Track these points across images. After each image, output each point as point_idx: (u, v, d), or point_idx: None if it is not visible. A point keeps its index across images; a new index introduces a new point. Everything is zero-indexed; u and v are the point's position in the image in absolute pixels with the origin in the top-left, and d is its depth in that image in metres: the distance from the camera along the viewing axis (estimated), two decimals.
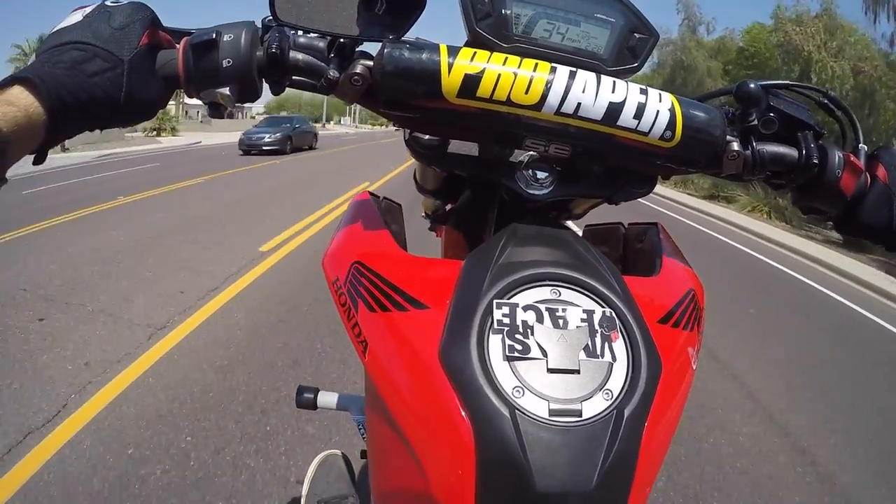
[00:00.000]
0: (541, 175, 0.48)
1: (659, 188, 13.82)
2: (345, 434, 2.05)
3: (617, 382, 0.35)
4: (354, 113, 75.71)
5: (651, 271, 0.50)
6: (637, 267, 0.56)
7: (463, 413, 0.33)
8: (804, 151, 0.48)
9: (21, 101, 0.35)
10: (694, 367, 0.42)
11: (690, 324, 0.44)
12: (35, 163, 0.40)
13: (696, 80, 15.75)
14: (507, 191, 0.50)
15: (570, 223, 0.65)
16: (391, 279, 0.41)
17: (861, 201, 0.48)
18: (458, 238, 0.68)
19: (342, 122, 75.47)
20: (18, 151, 0.36)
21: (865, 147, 0.50)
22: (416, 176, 0.72)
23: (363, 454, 0.88)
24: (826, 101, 0.52)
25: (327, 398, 0.82)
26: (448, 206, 0.77)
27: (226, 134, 24.99)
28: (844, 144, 0.51)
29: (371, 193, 0.59)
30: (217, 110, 0.45)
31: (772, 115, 0.48)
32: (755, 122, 0.48)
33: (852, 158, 0.48)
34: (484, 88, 0.40)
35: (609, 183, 0.50)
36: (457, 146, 0.51)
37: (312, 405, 0.83)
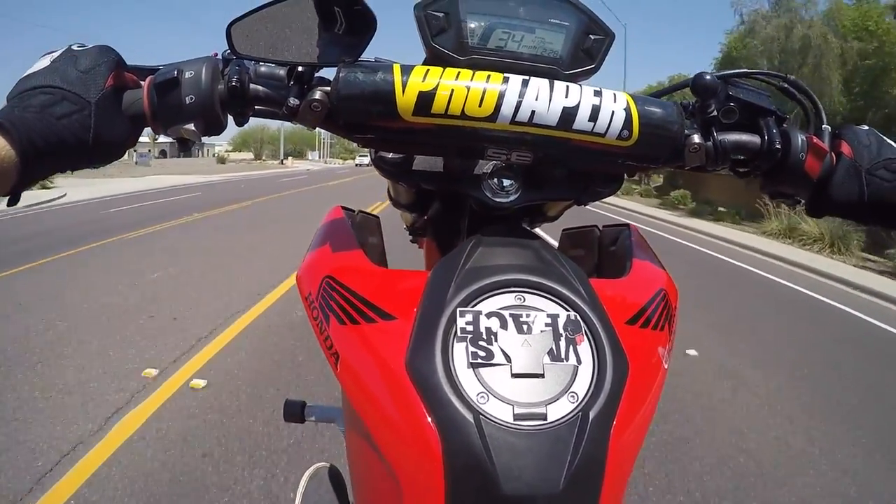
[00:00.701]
0: (506, 183, 0.49)
1: (786, 250, 8.28)
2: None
3: (582, 385, 0.36)
4: (324, 146, 68.05)
5: (623, 273, 0.51)
6: (611, 269, 0.57)
7: (429, 420, 0.34)
8: (766, 137, 0.49)
9: None
10: (666, 367, 0.43)
11: (661, 323, 0.44)
12: (9, 204, 0.41)
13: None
14: (474, 201, 0.50)
15: (541, 228, 0.66)
16: (360, 292, 0.42)
17: (829, 181, 0.49)
18: (435, 248, 0.69)
19: (310, 156, 67.55)
20: None
21: (829, 128, 0.50)
22: (389, 192, 0.73)
23: None
24: (786, 86, 0.53)
25: (314, 411, 0.84)
26: (426, 218, 0.78)
27: (125, 181, 18.19)
28: (809, 127, 0.52)
29: (344, 208, 0.60)
30: (185, 145, 0.46)
31: (731, 104, 0.49)
32: (715, 112, 0.49)
33: (815, 140, 0.48)
34: (438, 105, 0.41)
35: (574, 185, 0.51)
36: (422, 162, 0.51)
37: (300, 418, 0.84)
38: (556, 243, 0.62)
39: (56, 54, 0.43)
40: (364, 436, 0.40)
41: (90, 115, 0.41)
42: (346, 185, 18.65)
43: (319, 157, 66.00)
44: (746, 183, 0.56)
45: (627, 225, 0.59)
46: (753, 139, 0.49)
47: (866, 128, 0.51)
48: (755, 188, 0.55)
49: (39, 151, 0.38)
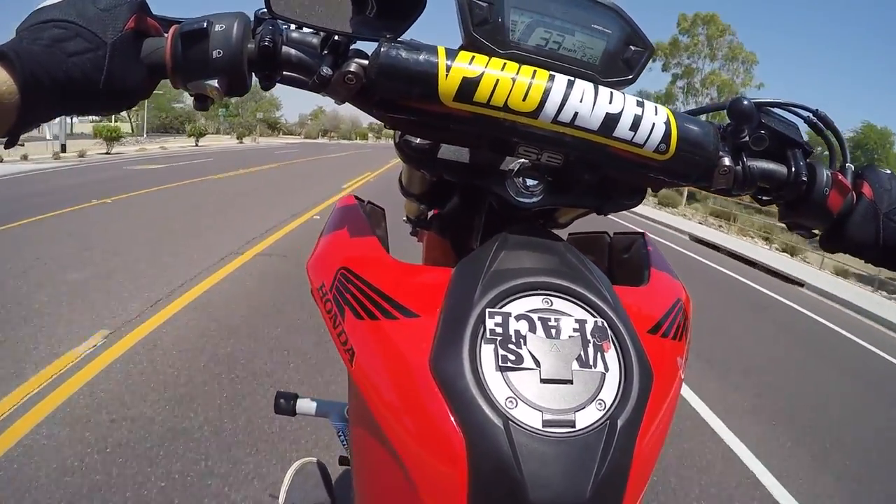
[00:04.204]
0: (530, 183, 0.47)
1: None
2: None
3: (609, 392, 0.35)
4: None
5: (637, 281, 0.50)
6: (623, 277, 0.57)
7: (455, 424, 0.32)
8: (793, 169, 0.49)
9: None
10: (682, 377, 0.43)
11: (678, 334, 0.44)
12: (7, 146, 0.38)
13: None
14: (495, 198, 0.49)
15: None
16: (379, 286, 0.41)
17: (847, 218, 0.49)
18: (443, 244, 0.67)
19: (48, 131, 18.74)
20: None
21: (852, 166, 0.51)
22: (401, 179, 0.72)
23: (342, 461, 0.87)
24: (816, 121, 0.53)
25: (306, 404, 0.81)
26: (436, 212, 0.76)
27: None
28: (832, 163, 0.52)
29: (356, 197, 0.58)
30: (203, 103, 0.43)
31: (763, 132, 0.49)
32: (747, 138, 0.49)
33: (840, 177, 0.49)
34: (481, 93, 0.40)
35: (598, 193, 0.50)
36: (447, 151, 0.50)
37: (291, 411, 0.82)
38: None
39: None
40: (377, 435, 0.38)
41: (105, 57, 0.38)
42: None
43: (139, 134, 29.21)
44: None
45: (642, 233, 0.59)
46: (780, 169, 0.50)
47: (889, 171, 0.52)
48: None
49: (43, 88, 0.35)
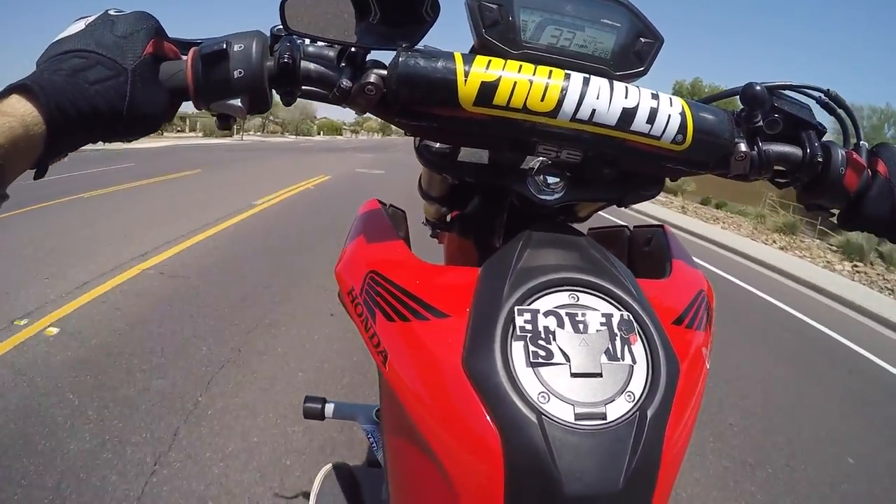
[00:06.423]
0: (551, 180, 0.48)
1: None
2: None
3: (638, 384, 0.36)
4: None
5: (658, 274, 0.51)
6: (644, 269, 0.57)
7: (490, 420, 0.33)
8: (808, 150, 0.49)
9: (17, 110, 0.33)
10: (707, 367, 0.43)
11: (702, 324, 0.45)
12: (36, 177, 0.38)
13: None
14: (517, 196, 0.50)
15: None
16: (408, 288, 0.41)
17: (864, 196, 0.50)
18: (466, 244, 0.68)
19: None
20: (16, 166, 0.34)
21: (866, 144, 0.51)
22: (420, 183, 0.72)
23: (371, 464, 0.88)
24: (828, 101, 0.53)
25: (334, 408, 0.82)
26: (458, 213, 0.77)
27: None
28: (846, 142, 0.52)
29: (379, 201, 0.58)
30: (227, 122, 0.44)
31: (776, 115, 0.49)
32: (760, 122, 0.49)
33: (854, 156, 0.49)
34: (500, 96, 0.40)
35: (618, 186, 0.51)
36: (467, 154, 0.51)
37: (320, 415, 0.83)
38: None
39: (91, 18, 0.41)
40: (412, 436, 0.39)
41: (126, 83, 0.38)
42: None
43: None
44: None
45: (661, 225, 0.59)
46: (796, 151, 0.50)
47: None
48: None
49: (69, 119, 0.35)
